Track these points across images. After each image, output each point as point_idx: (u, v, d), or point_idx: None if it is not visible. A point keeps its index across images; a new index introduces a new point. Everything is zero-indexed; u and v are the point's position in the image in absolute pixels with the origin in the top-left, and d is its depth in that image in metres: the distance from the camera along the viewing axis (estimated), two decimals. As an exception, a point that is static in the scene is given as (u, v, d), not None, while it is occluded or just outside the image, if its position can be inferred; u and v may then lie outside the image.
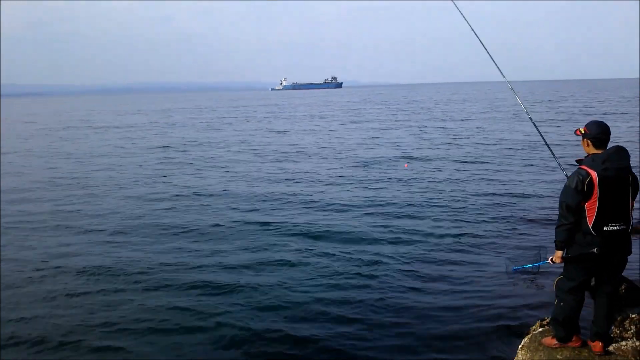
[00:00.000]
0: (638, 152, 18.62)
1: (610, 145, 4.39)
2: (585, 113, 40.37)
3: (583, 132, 4.43)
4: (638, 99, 57.80)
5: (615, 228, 4.26)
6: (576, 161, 4.57)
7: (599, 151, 4.36)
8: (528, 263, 5.19)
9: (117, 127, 41.91)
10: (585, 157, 4.42)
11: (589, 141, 4.40)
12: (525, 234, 9.94)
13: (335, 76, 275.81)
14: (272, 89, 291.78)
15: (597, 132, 4.36)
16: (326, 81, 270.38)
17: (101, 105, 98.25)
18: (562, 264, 4.57)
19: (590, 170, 4.20)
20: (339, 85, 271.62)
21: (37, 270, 8.63)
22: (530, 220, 10.70)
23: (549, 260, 4.66)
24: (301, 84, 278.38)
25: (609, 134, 4.40)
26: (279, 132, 33.10)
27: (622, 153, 4.30)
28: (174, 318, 6.67)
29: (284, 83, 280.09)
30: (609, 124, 4.45)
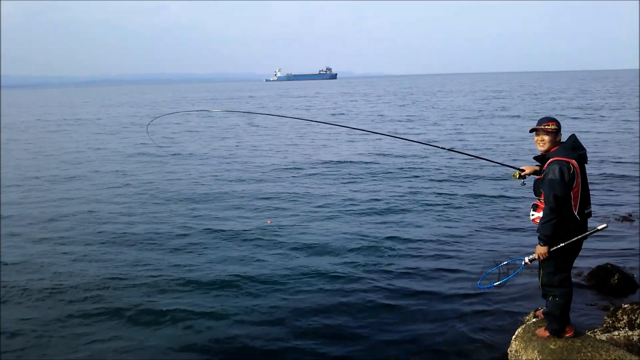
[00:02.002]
0: (638, 148, 18.71)
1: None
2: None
3: (556, 127, 4.46)
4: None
5: (589, 210, 4.45)
6: (535, 158, 4.63)
7: (558, 143, 4.46)
8: (497, 277, 5.13)
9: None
10: (547, 150, 4.45)
11: (560, 134, 4.49)
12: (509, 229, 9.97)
13: (330, 67, 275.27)
14: (266, 80, 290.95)
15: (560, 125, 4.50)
16: (321, 72, 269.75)
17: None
18: (537, 263, 4.58)
19: (568, 159, 4.27)
20: (334, 76, 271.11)
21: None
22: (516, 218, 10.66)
23: (526, 261, 4.66)
24: (296, 75, 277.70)
25: None
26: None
27: (578, 140, 4.45)
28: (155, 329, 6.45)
29: (279, 74, 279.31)
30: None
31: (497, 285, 5.12)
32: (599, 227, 4.44)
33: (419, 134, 25.06)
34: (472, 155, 5.87)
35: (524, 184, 4.86)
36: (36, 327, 6.45)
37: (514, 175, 4.81)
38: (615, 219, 10.07)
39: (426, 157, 18.20)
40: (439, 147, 5.81)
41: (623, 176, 14.16)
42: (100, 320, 6.61)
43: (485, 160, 5.56)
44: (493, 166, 15.78)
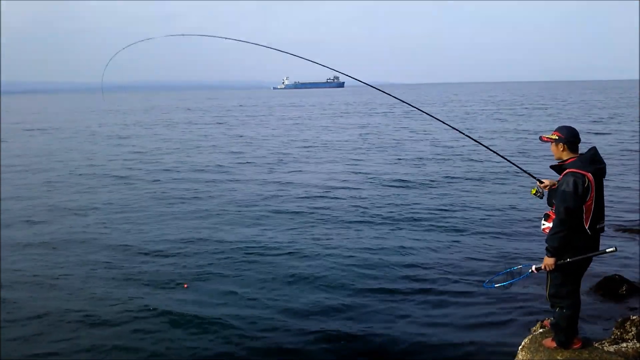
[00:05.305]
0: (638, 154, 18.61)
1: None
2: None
3: (556, 137, 4.44)
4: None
5: (602, 225, 4.38)
6: (552, 167, 4.59)
7: (574, 154, 4.41)
8: (504, 279, 5.12)
9: None
10: (564, 161, 4.43)
11: (564, 145, 4.42)
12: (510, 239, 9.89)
13: (337, 75, 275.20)
14: (274, 88, 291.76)
15: (572, 136, 4.42)
16: (328, 80, 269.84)
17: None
18: (545, 272, 4.55)
19: (584, 172, 4.23)
20: (341, 85, 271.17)
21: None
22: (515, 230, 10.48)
23: (534, 269, 4.63)
24: (303, 83, 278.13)
25: (579, 136, 4.48)
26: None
27: (599, 153, 4.39)
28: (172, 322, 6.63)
29: (286, 82, 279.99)
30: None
31: (498, 286, 5.11)
32: (608, 250, 4.39)
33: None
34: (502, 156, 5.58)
35: (542, 196, 4.80)
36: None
37: (532, 191, 4.77)
38: (623, 229, 10.00)
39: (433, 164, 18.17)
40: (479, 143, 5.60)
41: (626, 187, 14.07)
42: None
43: (510, 163, 5.34)
44: (503, 175, 15.78)
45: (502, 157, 5.48)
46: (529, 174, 5.11)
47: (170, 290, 7.67)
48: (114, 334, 6.37)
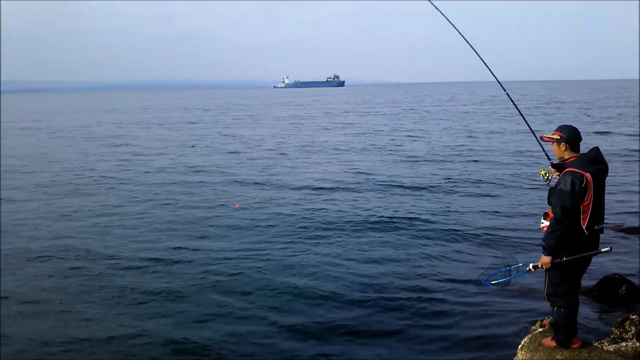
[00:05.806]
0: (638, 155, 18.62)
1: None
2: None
3: (558, 137, 4.41)
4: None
5: (601, 226, 4.36)
6: (554, 166, 4.56)
7: (576, 153, 4.38)
8: (501, 277, 5.08)
9: None
10: (565, 160, 4.41)
11: (566, 145, 4.39)
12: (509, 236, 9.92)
13: (338, 74, 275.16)
14: (274, 87, 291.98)
15: (573, 135, 4.38)
16: (328, 79, 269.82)
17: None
18: (542, 271, 4.52)
19: (583, 172, 4.20)
20: (341, 84, 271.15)
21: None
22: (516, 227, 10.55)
23: (531, 267, 4.61)
24: (303, 82, 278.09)
25: (581, 135, 4.45)
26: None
27: (601, 154, 4.36)
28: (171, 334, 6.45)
29: (287, 81, 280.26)
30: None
31: (494, 284, 5.07)
32: (603, 250, 4.37)
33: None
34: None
35: (548, 181, 4.74)
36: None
37: (541, 172, 4.74)
38: (622, 229, 9.97)
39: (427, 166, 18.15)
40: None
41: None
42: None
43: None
44: (501, 177, 15.76)
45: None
46: (547, 155, 4.97)
47: (157, 304, 7.34)
48: (96, 354, 6.10)
